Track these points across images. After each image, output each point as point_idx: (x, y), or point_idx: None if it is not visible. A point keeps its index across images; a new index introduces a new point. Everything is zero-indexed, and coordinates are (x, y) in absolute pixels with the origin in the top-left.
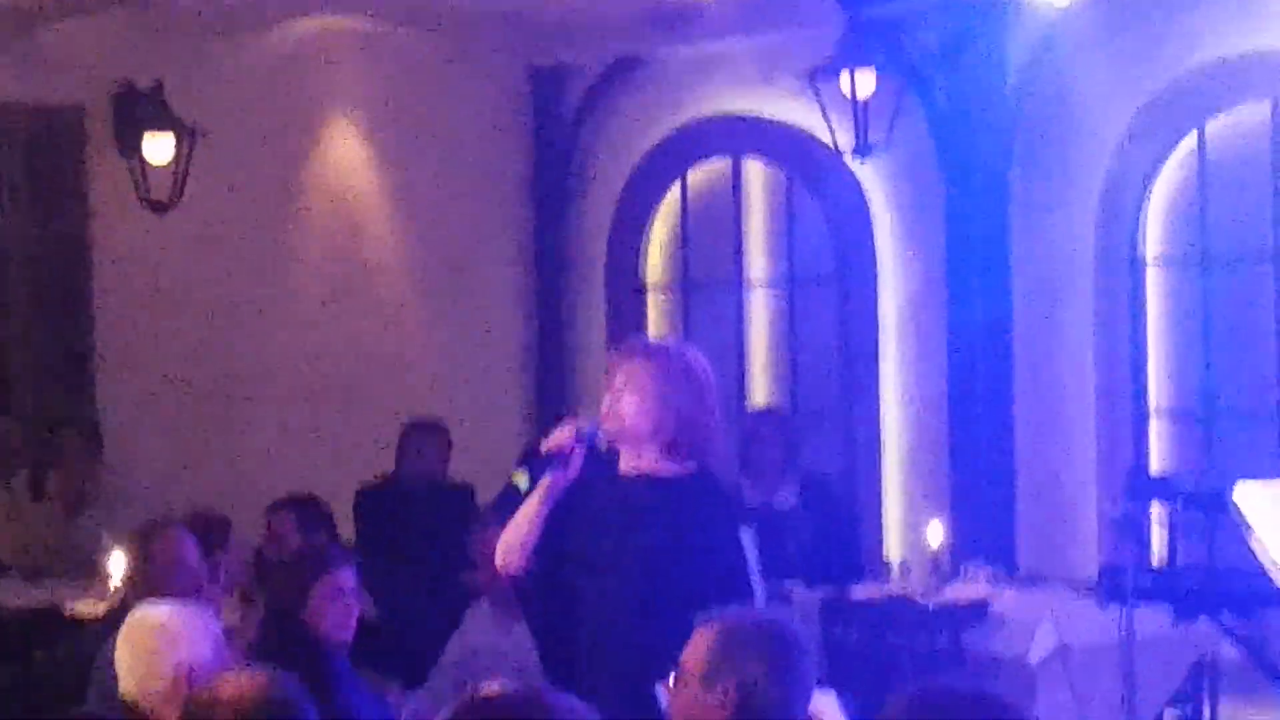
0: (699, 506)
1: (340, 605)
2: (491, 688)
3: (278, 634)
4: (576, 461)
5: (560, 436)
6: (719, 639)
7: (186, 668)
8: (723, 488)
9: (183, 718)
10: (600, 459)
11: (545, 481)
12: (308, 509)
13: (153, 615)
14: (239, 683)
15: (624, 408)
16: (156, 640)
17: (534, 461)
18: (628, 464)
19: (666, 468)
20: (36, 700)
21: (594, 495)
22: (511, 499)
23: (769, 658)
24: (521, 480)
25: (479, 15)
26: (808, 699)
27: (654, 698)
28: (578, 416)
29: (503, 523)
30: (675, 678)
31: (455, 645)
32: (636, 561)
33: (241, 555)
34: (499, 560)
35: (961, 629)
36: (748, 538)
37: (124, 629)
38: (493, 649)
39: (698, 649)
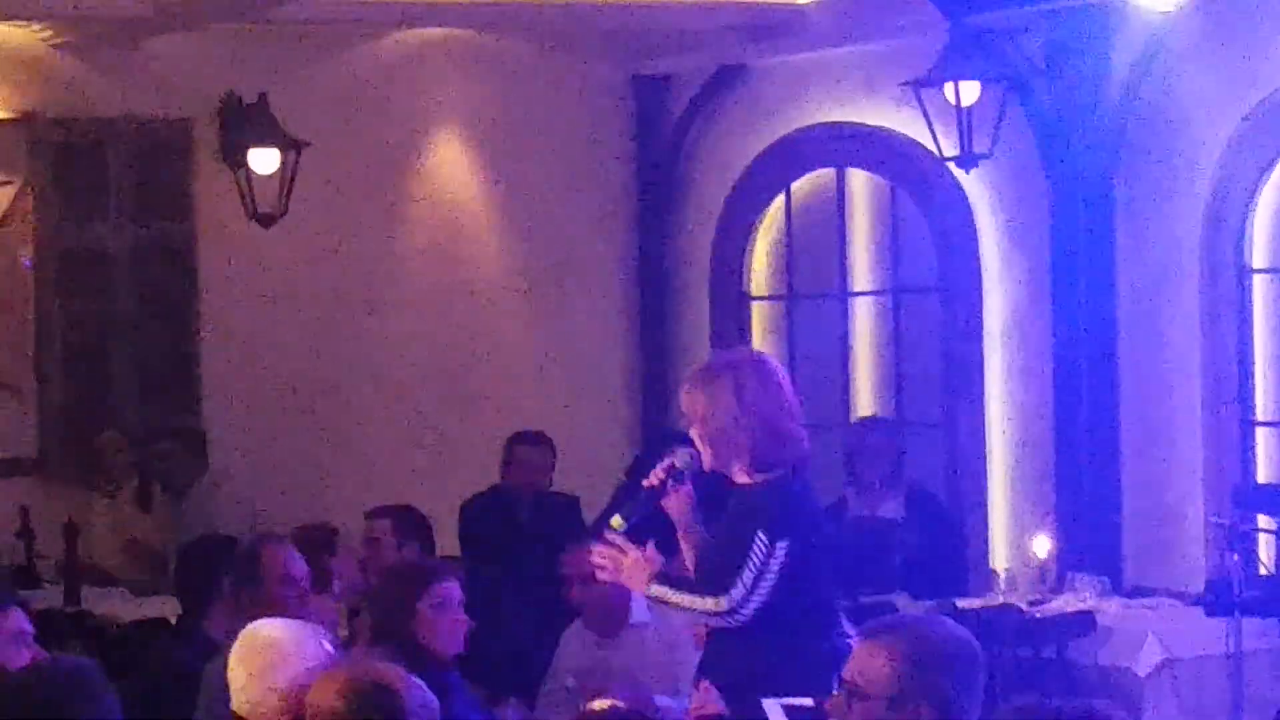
0: (720, 512)
1: (448, 618)
2: (602, 703)
3: (382, 643)
4: (675, 495)
5: (653, 476)
6: (908, 657)
7: (298, 685)
8: (761, 497)
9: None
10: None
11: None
12: (405, 517)
13: (266, 632)
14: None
15: (697, 441)
16: (269, 658)
17: (631, 501)
18: None
19: (744, 479)
20: (146, 714)
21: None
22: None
23: (959, 673)
24: (618, 524)
25: (582, 25)
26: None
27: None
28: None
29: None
30: (847, 694)
31: (552, 665)
32: None
33: (352, 563)
34: None
35: (1068, 640)
36: (769, 547)
37: (237, 645)
38: (587, 669)
39: (878, 666)
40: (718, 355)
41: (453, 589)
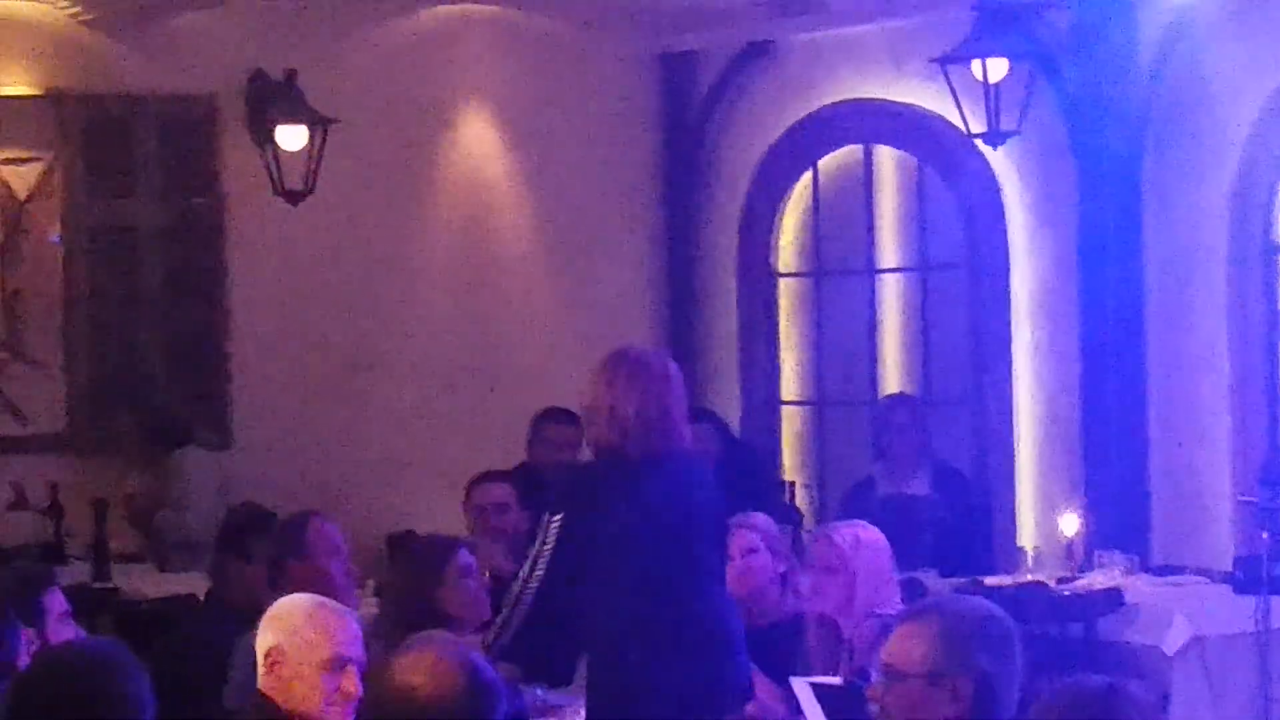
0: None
1: (473, 584)
2: None
3: (410, 617)
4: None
5: None
6: (942, 634)
7: (327, 662)
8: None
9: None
10: None
11: None
12: (516, 481)
13: (303, 604)
14: (431, 672)
15: None
16: (299, 633)
17: None
18: None
19: None
20: (173, 690)
21: None
22: None
23: (995, 647)
24: None
25: (609, 1)
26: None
27: None
28: None
29: None
30: (886, 677)
31: None
32: None
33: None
34: None
35: (1096, 618)
36: (546, 521)
37: (264, 620)
38: None
39: (914, 646)
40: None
41: (469, 557)
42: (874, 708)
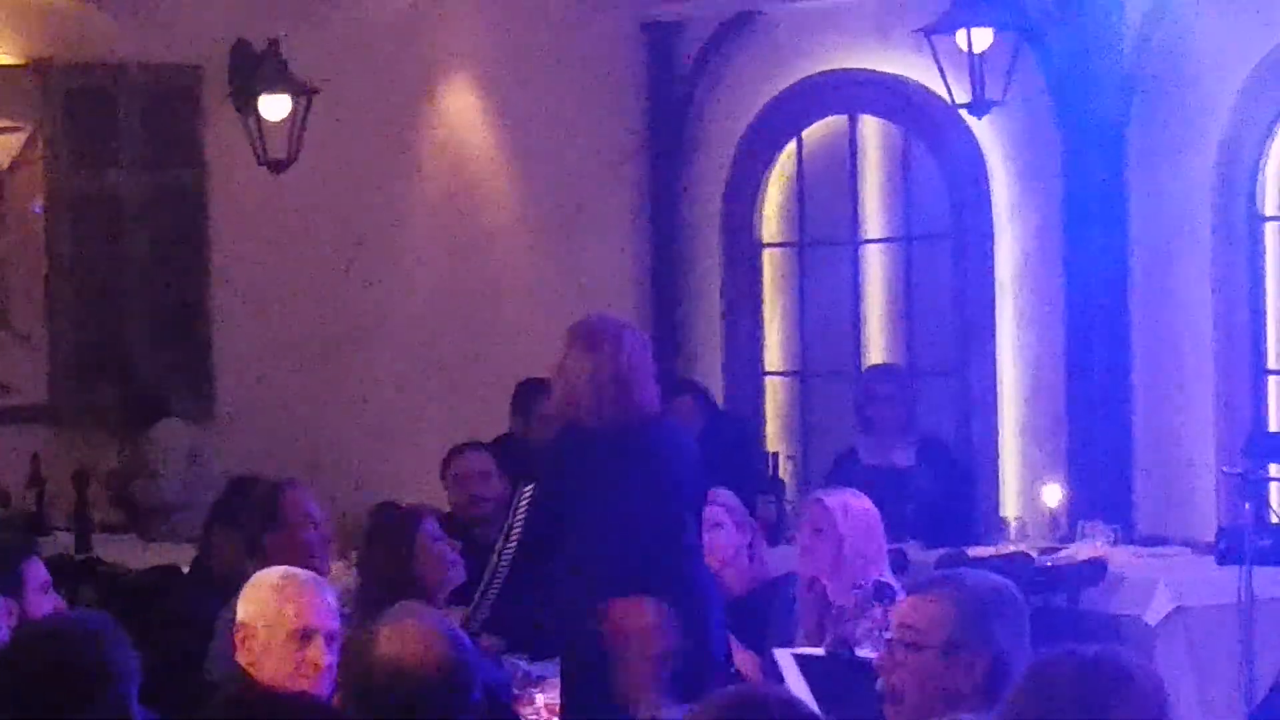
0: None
1: (445, 549)
2: None
3: (386, 588)
4: None
5: None
6: (960, 606)
7: (304, 633)
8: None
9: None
10: None
11: None
12: (495, 450)
13: (270, 578)
14: (415, 642)
15: None
16: (276, 606)
17: None
18: None
19: None
20: (156, 661)
21: None
22: None
23: (1010, 620)
24: None
25: None
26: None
27: None
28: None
29: None
30: (900, 647)
31: None
32: None
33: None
34: None
35: (1079, 589)
36: (520, 492)
37: (243, 591)
38: None
39: (931, 616)
40: None
41: (435, 524)
42: (881, 680)
